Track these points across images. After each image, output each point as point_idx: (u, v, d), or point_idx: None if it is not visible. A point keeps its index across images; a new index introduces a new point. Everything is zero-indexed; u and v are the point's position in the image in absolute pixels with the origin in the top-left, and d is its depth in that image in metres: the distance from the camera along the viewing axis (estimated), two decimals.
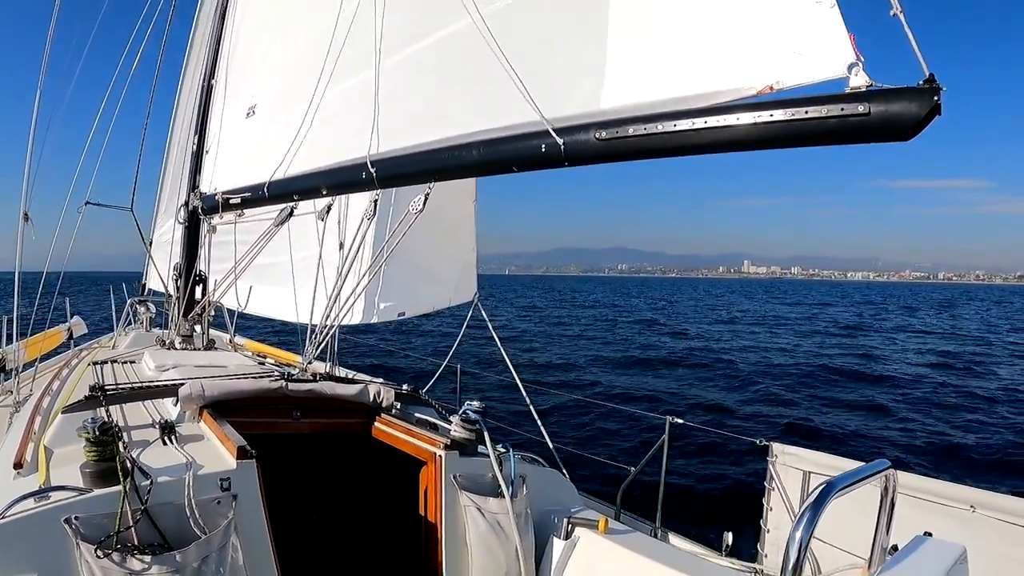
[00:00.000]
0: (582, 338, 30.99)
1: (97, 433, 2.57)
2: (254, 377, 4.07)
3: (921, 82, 1.98)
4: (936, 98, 1.93)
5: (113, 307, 9.19)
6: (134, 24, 8.06)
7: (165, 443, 3.10)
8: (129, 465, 2.56)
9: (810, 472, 4.10)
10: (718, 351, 26.05)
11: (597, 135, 2.57)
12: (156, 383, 4.01)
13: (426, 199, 3.53)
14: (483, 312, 6.04)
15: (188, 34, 8.88)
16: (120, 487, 2.43)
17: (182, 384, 3.60)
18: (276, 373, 4.19)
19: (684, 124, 2.37)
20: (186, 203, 6.34)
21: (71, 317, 8.60)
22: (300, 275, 6.16)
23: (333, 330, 4.56)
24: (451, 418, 3.71)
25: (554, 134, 2.69)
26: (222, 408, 3.53)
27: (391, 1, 3.97)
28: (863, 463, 3.66)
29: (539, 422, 4.73)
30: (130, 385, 3.92)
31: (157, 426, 3.23)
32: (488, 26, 3.18)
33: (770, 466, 4.29)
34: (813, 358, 24.67)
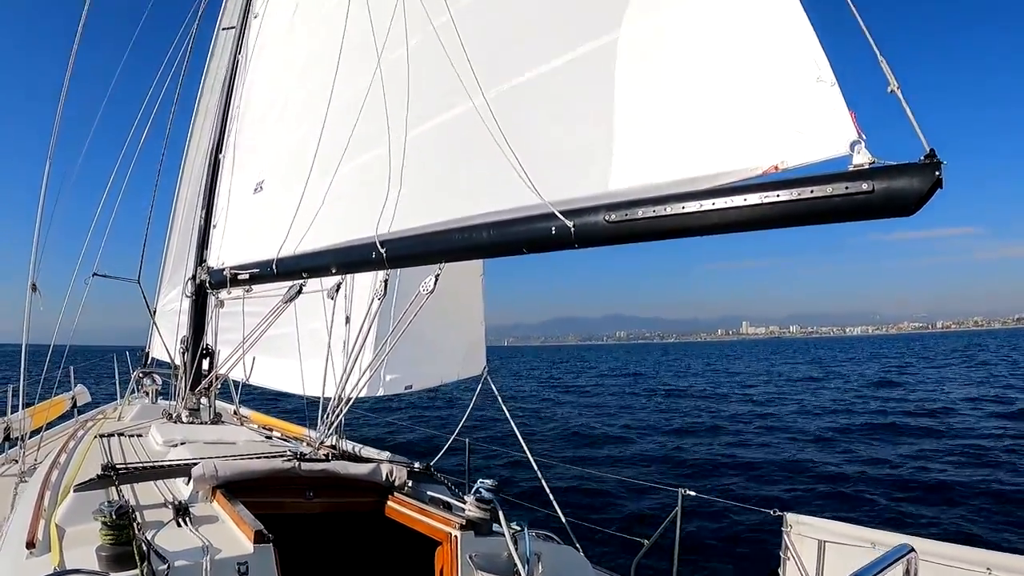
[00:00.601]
0: (592, 405, 30.11)
1: (114, 517, 2.57)
2: (266, 457, 4.06)
3: (922, 157, 2.02)
4: (938, 173, 1.97)
5: (117, 376, 9.20)
6: (143, 95, 8.26)
7: (179, 525, 3.09)
8: (145, 549, 2.55)
9: (826, 542, 4.05)
10: (735, 414, 25.30)
11: (607, 217, 2.61)
12: (168, 463, 4.01)
13: (436, 280, 3.56)
14: (492, 385, 6.03)
15: (193, 104, 9.08)
16: (137, 571, 2.42)
17: (195, 463, 3.60)
18: (288, 452, 4.18)
19: (693, 206, 2.41)
20: (193, 277, 6.38)
21: (75, 386, 8.61)
22: (306, 348, 6.17)
23: (345, 407, 4.56)
24: (465, 497, 3.68)
25: (562, 217, 2.73)
26: (235, 488, 3.52)
27: (400, 81, 4.06)
28: (880, 531, 3.60)
29: (551, 497, 4.69)
30: (142, 464, 3.91)
31: (170, 506, 3.22)
32: (497, 107, 3.25)
33: (785, 536, 4.24)
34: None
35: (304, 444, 4.84)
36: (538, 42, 3.29)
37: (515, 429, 5.30)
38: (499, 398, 5.71)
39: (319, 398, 5.12)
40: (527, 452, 5.04)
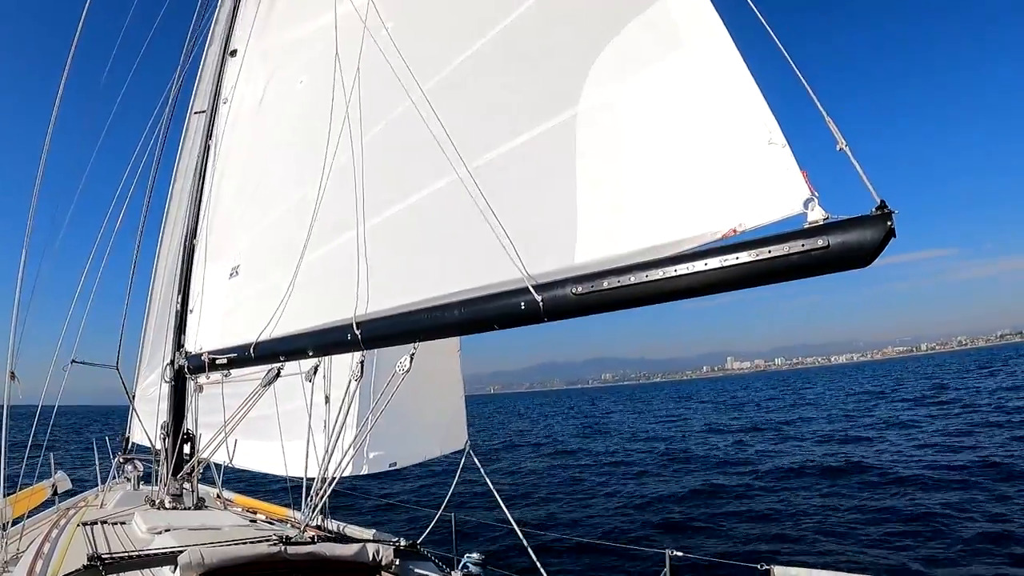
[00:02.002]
0: (579, 461, 27.75)
1: None
2: (252, 542, 4.01)
3: (874, 209, 2.09)
4: (889, 223, 2.03)
5: (97, 462, 9.06)
6: (119, 177, 8.33)
7: None
8: None
9: None
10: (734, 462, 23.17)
11: (573, 290, 2.66)
12: (154, 551, 3.96)
13: (411, 359, 3.58)
14: (475, 459, 6.01)
15: (168, 187, 9.13)
16: None
17: (181, 551, 3.56)
18: (273, 536, 4.13)
19: (656, 273, 2.47)
20: (172, 362, 6.34)
21: (55, 473, 8.47)
22: (286, 428, 6.14)
23: (328, 489, 4.53)
24: (452, 573, 3.65)
25: (533, 291, 2.78)
26: (222, 575, 3.48)
27: (369, 166, 4.15)
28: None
29: (540, 567, 4.64)
30: (127, 553, 3.86)
31: None
32: (464, 188, 3.33)
33: None
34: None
35: (289, 526, 4.79)
36: (504, 120, 3.39)
37: (500, 501, 5.26)
38: (483, 472, 5.69)
39: (302, 479, 5.07)
40: (514, 525, 5.00)
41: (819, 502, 14.81)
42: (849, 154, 2.25)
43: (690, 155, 2.63)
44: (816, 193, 2.27)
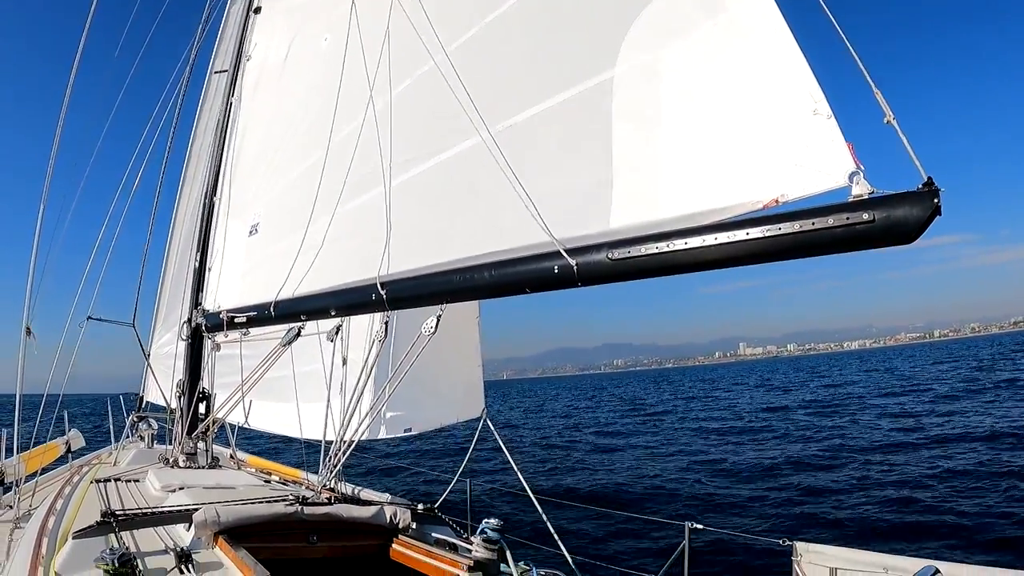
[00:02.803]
0: (596, 438, 27.58)
1: (116, 564, 2.54)
2: (268, 501, 4.01)
3: (920, 185, 2.03)
4: (936, 200, 1.98)
5: (111, 421, 9.12)
6: (137, 137, 8.33)
7: (182, 572, 3.06)
8: None
9: (837, 569, 4.00)
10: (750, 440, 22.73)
11: (609, 255, 2.60)
12: (168, 508, 3.96)
13: (438, 321, 3.54)
14: (492, 427, 5.99)
15: (186, 147, 9.11)
16: None
17: (196, 509, 3.55)
18: (290, 496, 4.13)
19: (695, 241, 2.41)
20: (189, 320, 6.34)
21: (69, 430, 8.54)
22: (303, 390, 6.12)
23: (347, 450, 4.51)
24: (472, 538, 3.64)
25: (566, 255, 2.72)
26: (237, 534, 3.47)
27: (397, 122, 4.08)
28: (892, 556, 3.55)
29: (556, 537, 4.63)
30: (142, 511, 3.86)
31: (172, 553, 3.18)
32: (495, 147, 3.25)
33: (795, 566, 4.18)
34: None
35: (304, 488, 4.79)
36: (534, 81, 3.30)
37: (516, 469, 5.24)
38: (499, 440, 5.67)
39: (319, 441, 5.06)
40: (530, 493, 4.98)
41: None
42: (897, 127, 2.18)
43: (732, 123, 2.56)
44: (862, 166, 2.21)
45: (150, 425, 8.70)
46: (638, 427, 31.13)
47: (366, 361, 4.27)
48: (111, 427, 8.90)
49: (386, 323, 3.98)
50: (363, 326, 4.83)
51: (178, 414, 6.52)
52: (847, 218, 2.10)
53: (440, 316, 3.54)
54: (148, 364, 8.80)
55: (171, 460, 6.11)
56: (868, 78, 2.30)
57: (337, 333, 4.93)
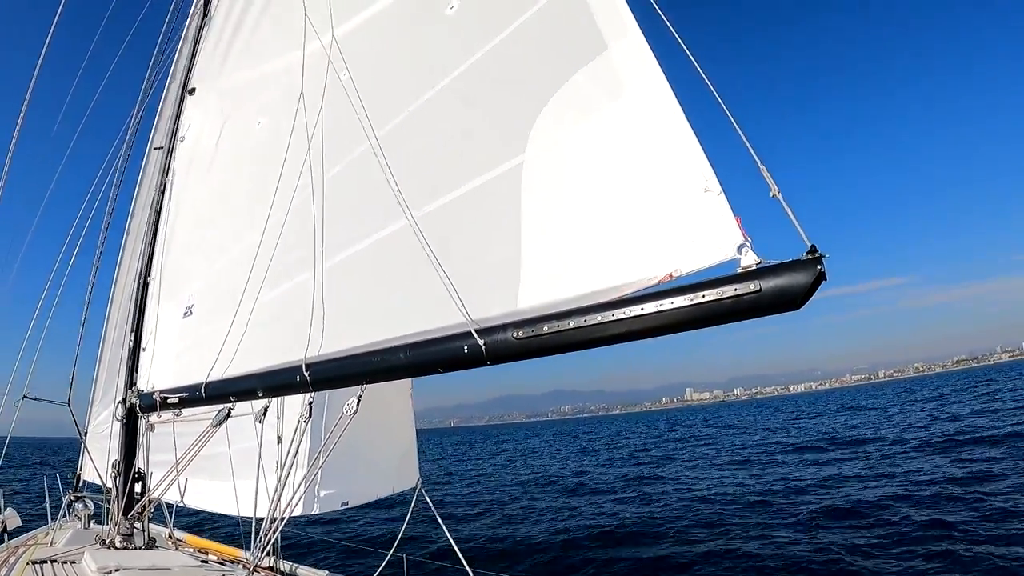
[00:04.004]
0: (541, 501, 25.91)
1: None
2: None
3: (805, 253, 2.17)
4: (819, 267, 2.12)
5: (47, 500, 8.87)
6: (75, 211, 8.31)
7: None
8: None
9: None
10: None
11: (515, 334, 2.72)
12: None
13: (358, 401, 3.61)
14: (427, 498, 5.99)
15: (125, 222, 9.08)
16: None
17: None
18: None
19: (595, 318, 2.53)
20: (123, 400, 6.27)
21: (4, 509, 8.30)
22: (239, 467, 6.08)
23: (278, 528, 4.49)
24: None
25: (476, 335, 2.83)
26: None
27: (327, 206, 4.19)
28: None
29: None
30: None
31: None
32: (413, 232, 3.38)
33: None
34: None
35: (240, 567, 4.73)
36: (454, 166, 3.46)
37: (452, 544, 5.22)
38: (435, 511, 5.67)
39: (251, 519, 5.03)
40: (466, 566, 4.96)
41: None
42: (782, 201, 2.36)
43: (629, 202, 2.72)
44: (749, 238, 2.36)
45: (86, 505, 8.48)
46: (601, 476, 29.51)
47: (292, 439, 4.30)
48: (47, 507, 8.68)
49: (310, 404, 4.02)
50: (297, 403, 4.87)
51: (114, 494, 6.40)
52: (735, 289, 2.25)
53: (360, 396, 3.60)
54: (84, 444, 8.63)
55: (108, 541, 5.98)
56: (754, 154, 2.48)
57: (265, 413, 4.94)
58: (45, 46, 8.26)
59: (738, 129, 2.55)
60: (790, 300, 2.17)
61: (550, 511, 19.06)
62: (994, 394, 51.20)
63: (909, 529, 12.52)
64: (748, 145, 2.50)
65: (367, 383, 3.51)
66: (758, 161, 2.46)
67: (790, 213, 2.30)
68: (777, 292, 2.17)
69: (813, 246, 2.17)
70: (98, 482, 7.51)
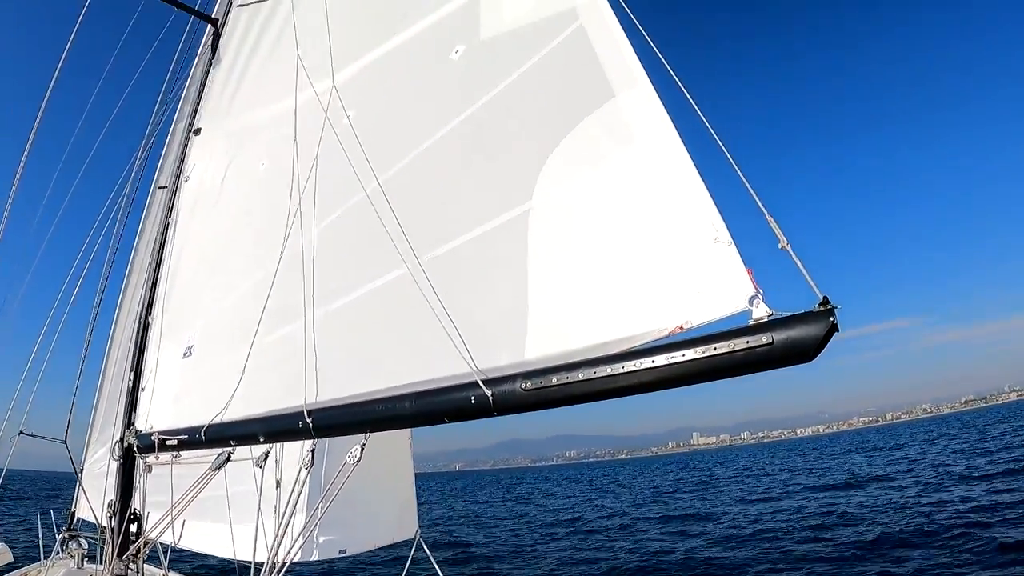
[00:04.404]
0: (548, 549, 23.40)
1: None
2: None
3: (817, 305, 2.15)
4: (832, 319, 2.10)
5: (41, 537, 8.79)
6: (78, 248, 8.33)
7: None
8: None
9: None
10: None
11: (523, 385, 2.68)
12: None
13: (362, 449, 3.56)
14: (426, 549, 5.91)
15: (128, 260, 9.08)
16: None
17: None
18: None
19: (604, 370, 2.50)
20: (121, 440, 6.20)
21: None
22: (236, 511, 6.00)
23: (278, 573, 4.41)
24: None
25: (483, 386, 2.79)
26: None
27: (329, 250, 4.18)
28: None
29: None
30: None
31: None
32: (420, 279, 3.36)
33: None
34: None
35: None
36: (459, 213, 3.45)
37: None
38: (434, 563, 5.58)
39: (251, 563, 4.94)
40: None
41: None
42: (791, 252, 2.35)
43: (639, 252, 2.71)
44: (761, 290, 2.35)
45: (80, 544, 8.39)
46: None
47: (295, 485, 4.23)
48: (40, 543, 8.60)
49: (312, 451, 3.97)
50: (297, 447, 4.81)
51: (109, 534, 6.31)
52: (747, 342, 2.22)
53: (364, 445, 3.55)
54: (80, 482, 8.55)
55: None
56: (762, 208, 2.48)
57: (266, 459, 4.88)
58: (51, 83, 8.33)
59: (746, 183, 2.55)
60: (802, 352, 2.14)
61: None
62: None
63: None
64: (756, 198, 2.51)
65: (371, 431, 3.46)
66: (766, 213, 2.46)
67: (800, 265, 2.29)
68: (789, 345, 2.15)
69: (825, 297, 2.16)
70: (93, 519, 7.42)
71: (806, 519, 20.66)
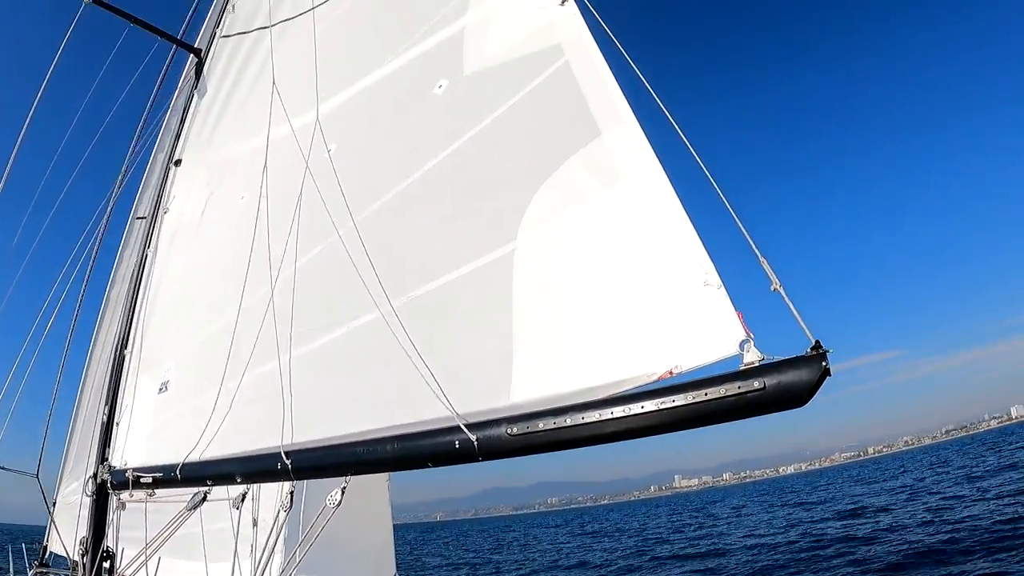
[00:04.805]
0: None
1: None
2: None
3: (809, 349, 2.11)
4: (824, 363, 2.05)
5: (12, 570, 8.61)
6: (52, 278, 8.20)
7: None
8: None
9: None
10: None
11: (509, 430, 2.61)
12: None
13: (343, 492, 3.46)
14: None
15: (104, 291, 8.94)
16: None
17: None
18: None
19: (592, 416, 2.44)
20: (94, 475, 6.06)
21: None
22: (212, 549, 5.86)
23: None
24: None
25: (466, 430, 2.72)
26: None
27: (308, 288, 4.11)
28: None
29: None
30: None
31: None
32: (402, 319, 3.29)
33: None
34: None
35: None
36: (440, 253, 3.41)
37: None
38: None
39: None
40: None
41: None
42: (783, 294, 2.32)
43: (627, 295, 2.66)
44: (752, 334, 2.31)
45: None
46: None
47: (273, 527, 4.13)
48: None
49: (291, 492, 3.87)
50: (275, 486, 4.70)
51: (81, 571, 6.16)
52: (739, 387, 2.17)
53: (345, 488, 3.46)
54: (51, 516, 8.38)
55: None
56: (755, 248, 2.45)
57: (243, 500, 4.76)
58: (30, 114, 8.25)
59: (740, 226, 2.53)
60: (795, 398, 2.11)
61: None
62: None
63: None
64: (750, 240, 2.48)
65: (352, 474, 3.37)
66: (759, 255, 2.43)
67: (792, 308, 2.26)
68: (781, 390, 2.11)
69: (817, 341, 2.12)
70: (64, 553, 7.27)
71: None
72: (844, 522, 27.25)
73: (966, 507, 22.68)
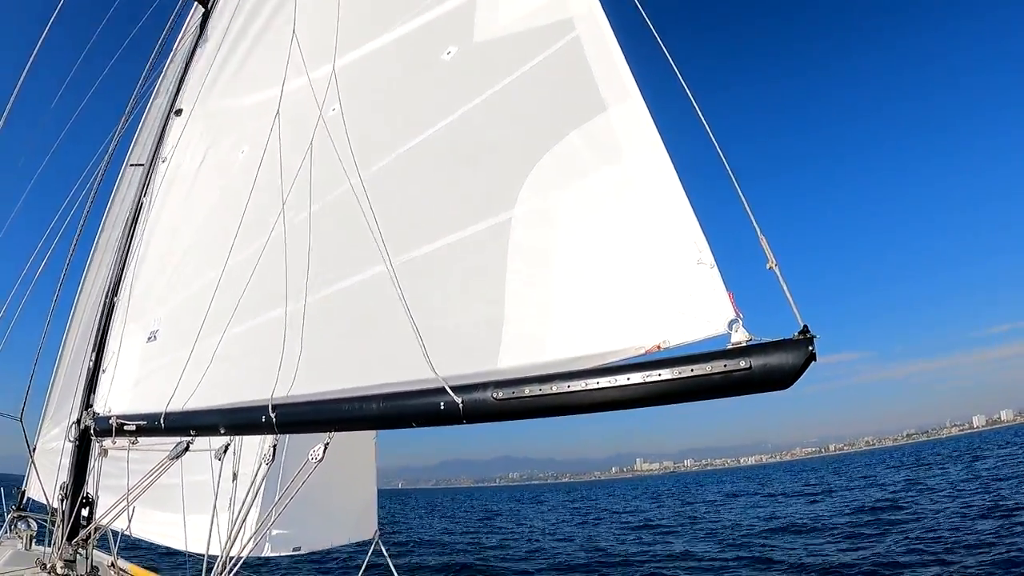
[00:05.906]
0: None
1: None
2: None
3: (796, 333, 2.13)
4: (811, 348, 2.08)
5: None
6: (46, 221, 8.16)
7: None
8: None
9: None
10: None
11: (495, 394, 2.63)
12: None
13: (325, 448, 3.48)
14: (384, 550, 5.84)
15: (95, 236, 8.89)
16: None
17: None
18: None
19: (578, 384, 2.46)
20: (78, 421, 6.06)
21: None
22: (191, 501, 5.89)
23: (233, 568, 4.31)
24: None
25: (452, 392, 2.74)
26: None
27: (301, 246, 4.10)
28: None
29: None
30: None
31: None
32: (396, 279, 3.30)
33: None
34: None
35: None
36: (438, 216, 3.39)
37: None
38: (391, 565, 5.52)
39: (203, 555, 4.85)
40: None
41: None
42: (778, 274, 2.33)
43: (620, 268, 2.67)
44: (741, 315, 2.33)
45: (29, 525, 8.23)
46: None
47: (253, 480, 4.15)
48: None
49: (274, 447, 3.89)
50: (255, 440, 4.72)
51: (59, 517, 6.17)
52: (725, 365, 2.19)
53: (328, 444, 3.47)
54: (32, 460, 8.38)
55: (48, 566, 5.75)
56: (756, 226, 2.46)
57: (225, 452, 4.78)
58: (31, 59, 8.17)
59: (744, 202, 2.54)
60: (780, 380, 2.12)
61: None
62: None
63: None
64: (752, 217, 2.48)
65: (336, 431, 3.38)
66: (758, 231, 2.44)
67: (785, 288, 2.28)
68: (767, 371, 2.13)
69: (805, 326, 2.14)
70: (43, 500, 7.28)
71: None
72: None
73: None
